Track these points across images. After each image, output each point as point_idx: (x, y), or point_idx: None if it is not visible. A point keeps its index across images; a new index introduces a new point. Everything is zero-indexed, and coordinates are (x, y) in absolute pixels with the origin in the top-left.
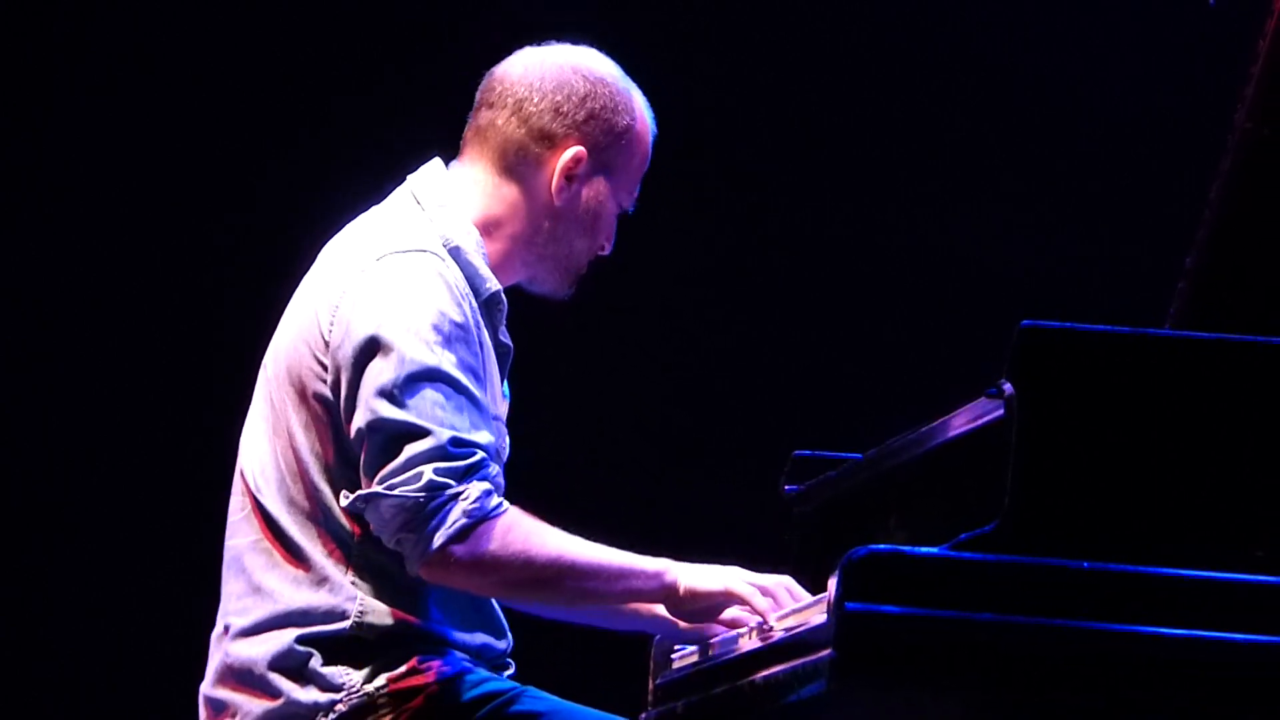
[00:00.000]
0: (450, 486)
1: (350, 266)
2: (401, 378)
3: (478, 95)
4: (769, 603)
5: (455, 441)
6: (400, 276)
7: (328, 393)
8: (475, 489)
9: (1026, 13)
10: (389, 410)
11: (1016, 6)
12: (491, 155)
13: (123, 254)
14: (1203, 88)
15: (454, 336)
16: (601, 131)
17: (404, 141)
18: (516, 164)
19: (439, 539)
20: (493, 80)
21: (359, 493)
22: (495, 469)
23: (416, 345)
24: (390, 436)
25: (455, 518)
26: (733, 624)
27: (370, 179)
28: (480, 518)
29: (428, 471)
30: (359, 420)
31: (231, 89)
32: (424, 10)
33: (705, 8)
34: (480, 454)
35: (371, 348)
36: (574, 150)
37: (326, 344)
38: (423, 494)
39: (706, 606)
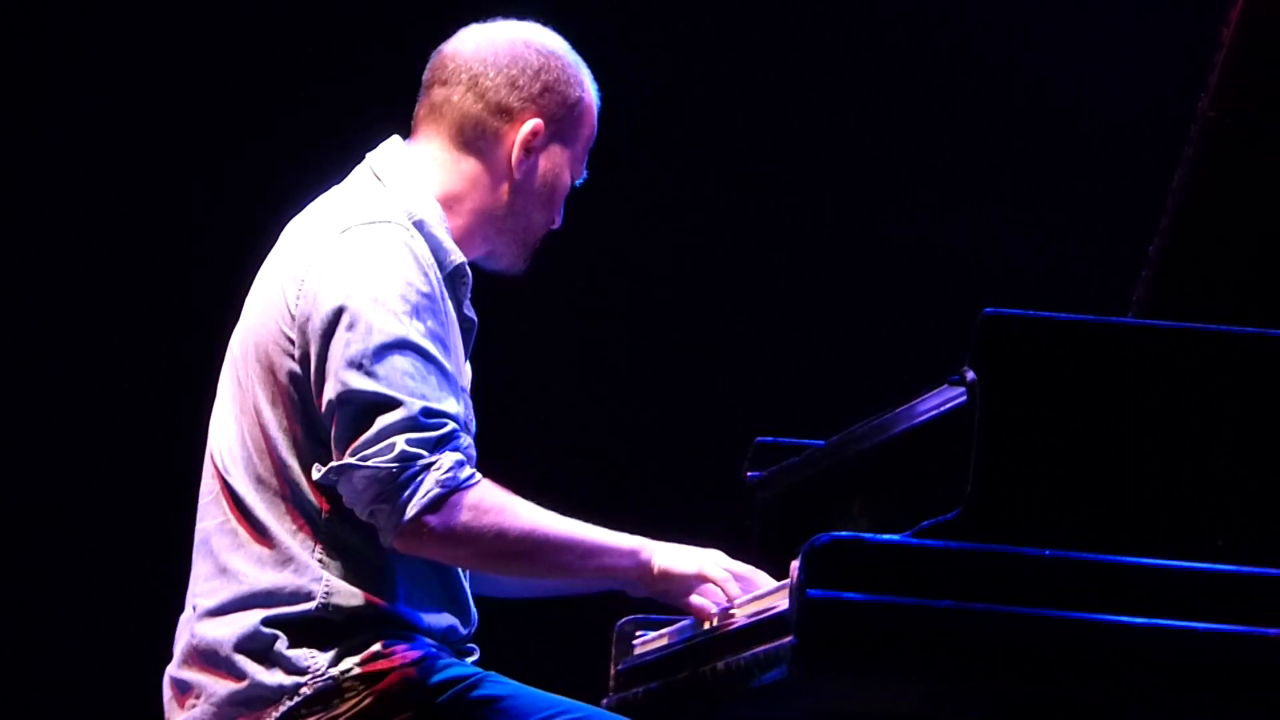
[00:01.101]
0: (423, 457)
1: (315, 241)
2: (370, 348)
3: (427, 74)
4: (736, 588)
5: (426, 412)
6: (366, 248)
7: (295, 367)
8: (448, 459)
9: (990, 3)
10: (359, 381)
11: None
12: (449, 131)
13: (99, 248)
14: (1166, 75)
15: (421, 306)
16: (556, 104)
17: (369, 126)
18: (475, 139)
19: (413, 509)
20: (443, 58)
21: (331, 465)
22: (467, 440)
23: (384, 315)
24: (361, 408)
25: (428, 487)
26: (699, 612)
27: (337, 165)
28: (453, 487)
29: (400, 442)
30: (329, 393)
31: (198, 78)
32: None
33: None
34: (451, 424)
35: (339, 319)
36: (532, 123)
37: (293, 318)
38: (395, 464)
39: (680, 588)
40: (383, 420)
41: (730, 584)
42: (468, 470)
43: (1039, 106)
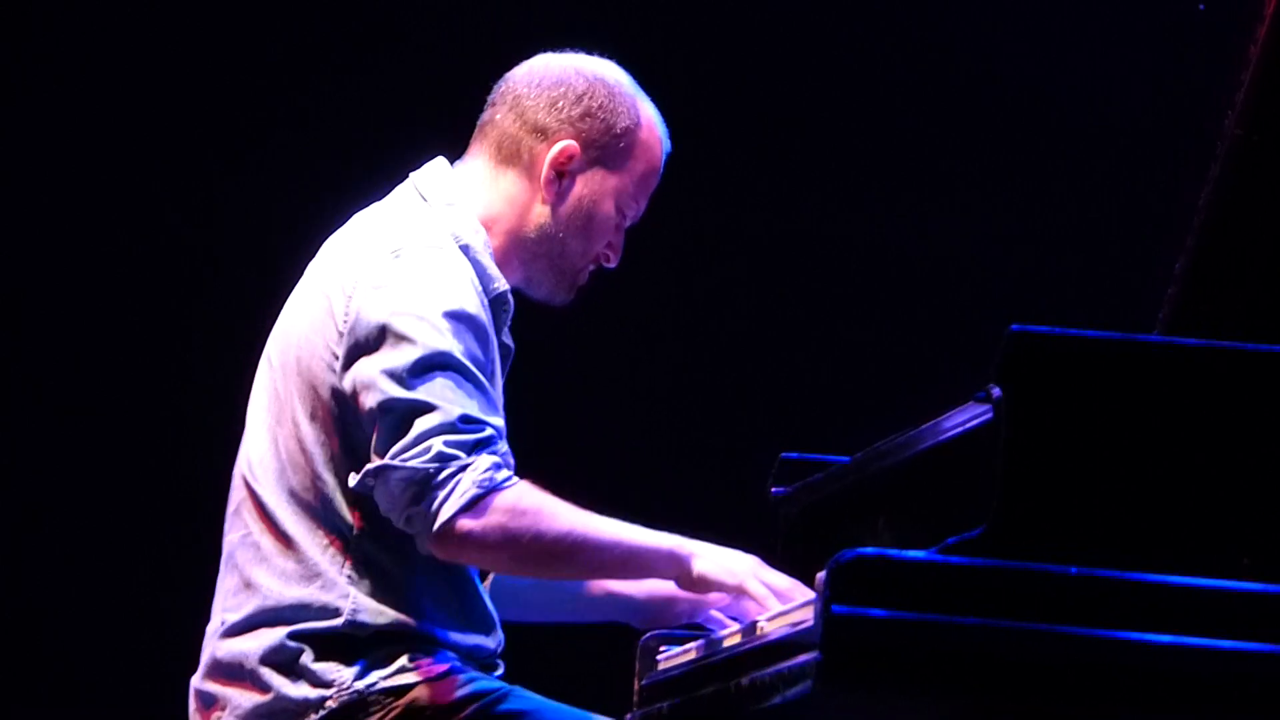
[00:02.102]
0: (459, 458)
1: (365, 259)
2: (411, 362)
3: (489, 97)
4: (776, 603)
5: (464, 418)
6: (416, 269)
7: (339, 383)
8: (485, 461)
9: (1019, 17)
10: (398, 391)
11: (1009, 10)
12: (490, 149)
13: (119, 253)
14: (1193, 93)
15: (466, 326)
16: (598, 131)
17: (400, 139)
18: (511, 157)
19: (449, 510)
20: (501, 81)
21: (368, 467)
22: (504, 446)
23: (428, 332)
24: (400, 415)
25: (464, 488)
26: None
27: (366, 179)
28: (489, 489)
29: (437, 444)
30: (369, 403)
31: (225, 83)
32: (433, 6)
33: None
34: (489, 430)
35: (384, 335)
36: (564, 144)
37: (340, 334)
38: (433, 465)
39: (715, 596)
40: (421, 424)
41: (769, 601)
42: (505, 473)
43: (1067, 122)
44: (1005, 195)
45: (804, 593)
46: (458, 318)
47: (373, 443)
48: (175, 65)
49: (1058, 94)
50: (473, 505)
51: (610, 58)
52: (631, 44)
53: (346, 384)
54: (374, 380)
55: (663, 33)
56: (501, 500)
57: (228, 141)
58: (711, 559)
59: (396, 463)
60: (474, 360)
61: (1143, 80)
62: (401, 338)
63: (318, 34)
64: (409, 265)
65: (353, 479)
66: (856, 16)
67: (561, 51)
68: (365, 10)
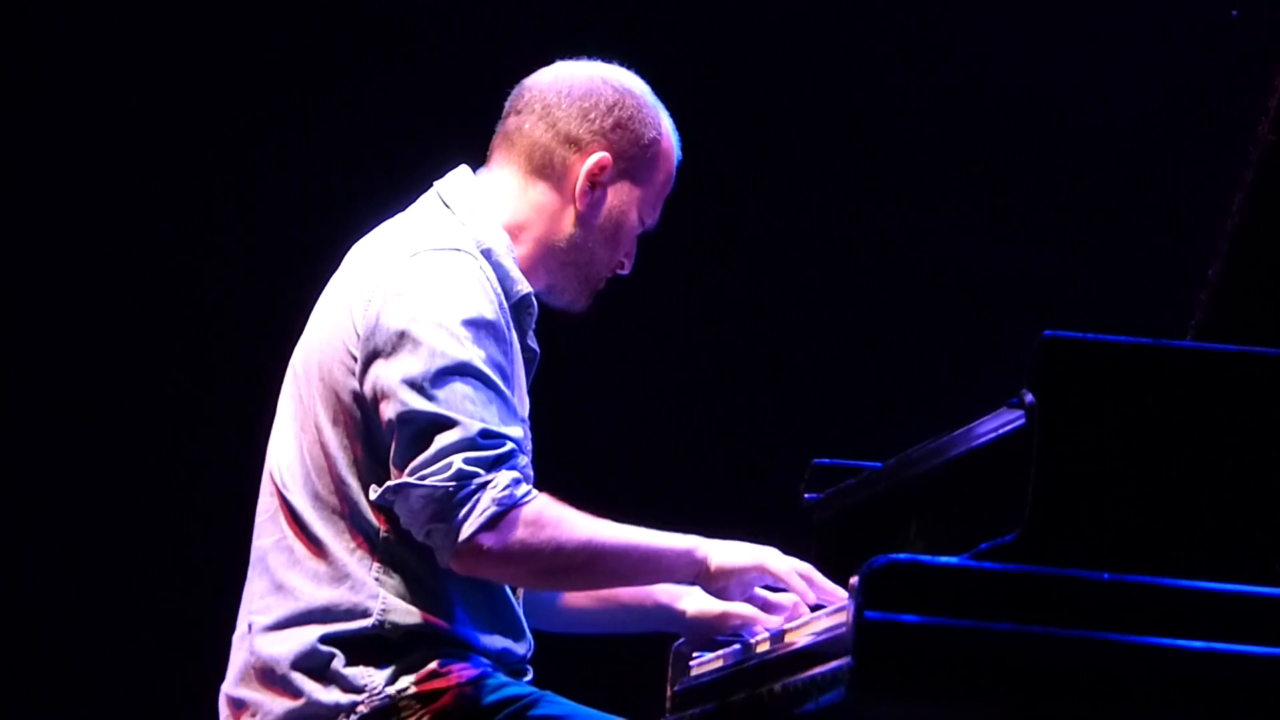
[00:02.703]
0: (479, 475)
1: (383, 263)
2: (431, 371)
3: (507, 104)
4: (801, 581)
5: (484, 433)
6: (433, 272)
7: (358, 387)
8: (504, 477)
9: (1054, 24)
10: (418, 402)
11: (1045, 18)
12: (519, 159)
13: (136, 257)
14: (1225, 98)
15: (485, 333)
16: (628, 141)
17: (427, 146)
18: (543, 167)
19: (469, 528)
20: (523, 89)
21: (388, 484)
22: (524, 460)
23: (447, 340)
24: (420, 428)
25: (484, 506)
26: (764, 606)
27: (395, 184)
28: (509, 505)
29: (457, 461)
30: (389, 412)
31: (254, 91)
32: (447, 16)
33: (738, 13)
34: (509, 444)
35: (402, 341)
36: (599, 156)
37: (358, 338)
38: (452, 483)
39: (738, 583)
40: (441, 440)
41: (793, 577)
42: (524, 488)
43: (1103, 127)
44: (1039, 200)
45: (823, 579)
46: (476, 324)
47: (392, 454)
48: (207, 77)
49: (1093, 99)
50: (493, 522)
51: (617, 61)
52: (640, 48)
53: (366, 389)
54: (394, 389)
55: (674, 36)
56: (521, 516)
57: (252, 151)
58: (728, 547)
59: (416, 480)
60: (494, 366)
61: (1175, 85)
62: (420, 345)
63: (338, 43)
64: (426, 269)
65: (373, 492)
66: (892, 22)
67: (575, 58)
68: (383, 18)
